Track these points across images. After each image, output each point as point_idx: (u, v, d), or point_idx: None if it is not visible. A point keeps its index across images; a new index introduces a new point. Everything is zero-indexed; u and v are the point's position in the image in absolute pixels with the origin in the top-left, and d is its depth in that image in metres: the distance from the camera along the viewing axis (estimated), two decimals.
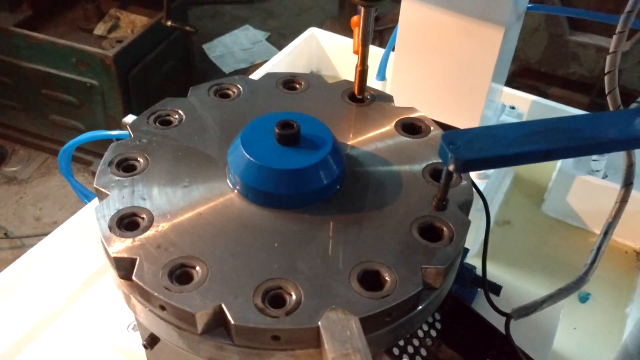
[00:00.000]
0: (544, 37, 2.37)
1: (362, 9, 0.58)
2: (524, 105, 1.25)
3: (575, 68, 2.38)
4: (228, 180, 0.54)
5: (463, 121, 0.95)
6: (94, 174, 0.96)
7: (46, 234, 0.89)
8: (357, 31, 0.62)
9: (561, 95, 2.46)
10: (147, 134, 0.58)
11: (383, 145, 0.59)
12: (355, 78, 0.64)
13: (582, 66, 2.36)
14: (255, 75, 1.22)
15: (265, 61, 2.91)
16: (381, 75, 1.22)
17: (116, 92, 2.11)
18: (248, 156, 0.52)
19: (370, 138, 0.60)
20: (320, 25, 3.19)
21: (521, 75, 2.53)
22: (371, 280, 0.46)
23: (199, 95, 0.64)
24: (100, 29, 2.16)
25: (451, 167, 0.45)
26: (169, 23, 1.86)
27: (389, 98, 0.66)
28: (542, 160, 0.46)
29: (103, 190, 0.52)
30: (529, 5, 0.95)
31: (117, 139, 0.61)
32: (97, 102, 2.16)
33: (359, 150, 0.58)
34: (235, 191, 0.54)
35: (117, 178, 0.53)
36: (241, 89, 0.65)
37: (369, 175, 0.56)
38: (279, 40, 3.08)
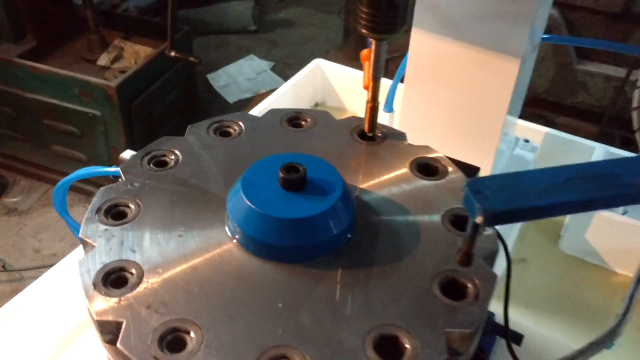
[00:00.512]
0: (552, 66, 2.34)
1: (373, 42, 0.54)
2: (536, 137, 1.21)
3: (583, 97, 2.34)
4: (227, 228, 0.50)
5: (477, 156, 0.90)
6: None
7: (45, 266, 0.83)
8: (367, 65, 0.58)
9: (569, 124, 2.42)
10: (140, 176, 0.54)
11: (397, 188, 0.54)
12: (365, 115, 0.59)
13: (590, 95, 2.32)
14: (259, 108, 1.18)
15: (271, 91, 2.90)
16: (389, 107, 1.18)
17: (118, 123, 2.07)
18: (249, 203, 0.47)
19: (383, 181, 0.55)
20: (325, 55, 3.18)
21: (528, 104, 2.48)
22: (389, 347, 0.41)
23: (198, 133, 0.59)
24: (103, 60, 2.14)
25: (479, 220, 0.39)
26: (172, 53, 1.82)
27: (401, 136, 0.61)
28: (580, 211, 0.41)
29: (89, 240, 0.47)
30: (544, 36, 0.91)
31: (114, 177, 0.57)
32: (99, 133, 2.13)
33: (371, 195, 0.53)
34: (235, 241, 0.49)
35: (105, 227, 0.48)
36: (243, 127, 0.60)
37: (383, 222, 0.51)
38: (284, 69, 3.06)
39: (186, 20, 2.86)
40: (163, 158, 0.56)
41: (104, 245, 0.47)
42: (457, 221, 0.51)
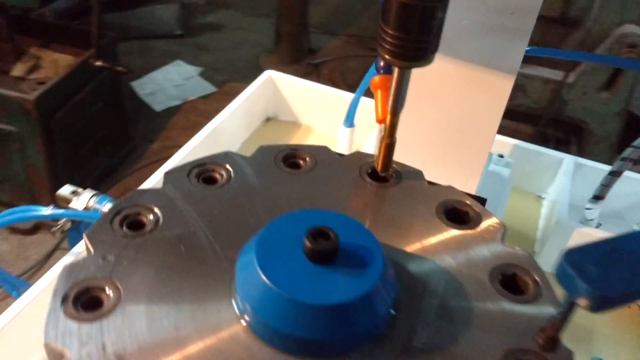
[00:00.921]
0: None
1: (396, 71, 0.45)
2: (503, 149, 1.16)
3: (522, 100, 2.36)
4: (234, 305, 0.39)
5: (461, 178, 0.83)
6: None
7: None
8: (380, 95, 0.49)
9: (508, 126, 2.43)
10: (113, 245, 0.42)
11: (430, 243, 0.45)
12: (379, 152, 0.50)
13: (528, 98, 2.34)
14: (210, 128, 1.06)
15: (201, 98, 2.75)
16: (349, 122, 1.10)
17: (37, 139, 1.88)
18: (267, 280, 0.37)
19: (411, 234, 0.46)
20: (256, 59, 3.06)
21: None
22: None
23: (177, 182, 0.48)
24: (18, 70, 1.93)
25: (583, 303, 0.31)
26: (98, 63, 1.66)
27: (417, 174, 0.52)
28: None
29: (57, 348, 0.35)
30: (528, 49, 0.86)
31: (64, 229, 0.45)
32: (14, 151, 1.92)
33: (403, 254, 0.44)
34: (244, 323, 0.38)
35: (77, 324, 0.37)
36: (231, 171, 0.50)
37: (426, 290, 0.42)
38: (213, 75, 2.92)
39: (108, 25, 2.66)
40: (139, 218, 0.44)
41: (78, 353, 0.35)
42: (508, 282, 0.43)
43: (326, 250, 0.37)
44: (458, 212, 0.49)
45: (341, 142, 1.13)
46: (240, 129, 1.16)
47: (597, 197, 0.98)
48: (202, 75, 2.91)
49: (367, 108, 1.09)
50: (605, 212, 1.04)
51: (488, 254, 0.45)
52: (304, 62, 3.06)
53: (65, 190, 0.78)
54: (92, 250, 0.41)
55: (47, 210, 0.73)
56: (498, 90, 0.75)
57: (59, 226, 0.75)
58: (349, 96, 1.16)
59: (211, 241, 0.43)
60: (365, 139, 1.16)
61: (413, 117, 0.82)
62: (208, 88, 2.82)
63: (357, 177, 0.51)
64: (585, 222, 1.00)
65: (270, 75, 1.21)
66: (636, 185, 1.06)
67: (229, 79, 2.89)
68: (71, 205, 0.74)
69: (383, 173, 0.51)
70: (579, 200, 1.01)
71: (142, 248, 0.42)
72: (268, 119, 1.25)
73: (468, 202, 0.49)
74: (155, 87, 2.77)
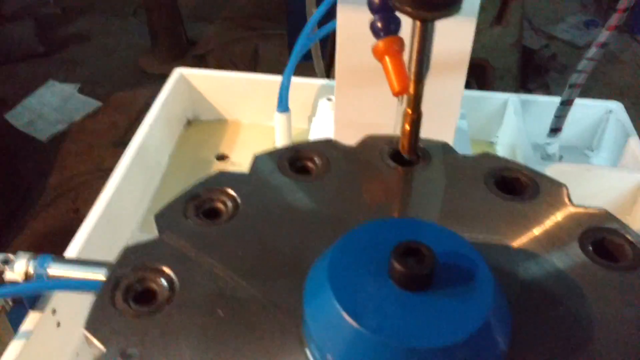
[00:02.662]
0: None
1: (418, 26, 0.36)
2: None
3: None
4: (309, 354, 0.30)
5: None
6: None
7: None
8: (391, 62, 0.40)
9: None
10: (129, 334, 0.31)
11: (503, 229, 0.38)
12: (403, 132, 0.42)
13: None
14: (136, 144, 0.93)
15: (88, 115, 2.52)
16: (283, 106, 1.00)
17: None
18: (351, 320, 0.28)
19: (475, 221, 0.38)
20: (136, 63, 2.85)
21: None
22: None
23: (175, 225, 0.37)
24: None
25: None
26: None
27: (445, 148, 0.45)
28: None
29: None
30: None
31: None
32: None
33: (483, 249, 0.36)
34: None
35: None
36: (236, 196, 0.39)
37: (524, 292, 0.34)
38: (94, 89, 2.68)
39: None
40: (148, 286, 0.34)
41: None
42: (601, 250, 0.36)
43: (421, 273, 0.29)
44: (509, 182, 0.42)
45: (279, 130, 1.03)
46: (164, 140, 1.03)
47: (554, 130, 0.96)
48: (82, 91, 2.67)
49: (297, 88, 1.00)
50: (566, 144, 1.03)
51: (567, 223, 0.38)
52: (188, 55, 2.90)
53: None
54: (102, 347, 0.30)
55: None
56: (461, 35, 0.68)
57: None
58: (272, 79, 1.06)
59: (249, 290, 0.33)
60: (302, 122, 1.08)
61: (368, 84, 0.74)
62: (92, 104, 2.59)
63: (381, 165, 0.42)
64: (547, 157, 0.98)
65: (181, 74, 1.08)
66: (582, 110, 1.05)
67: (113, 90, 2.67)
68: (6, 277, 0.60)
69: (411, 155, 0.43)
70: (531, 137, 0.99)
71: (167, 326, 0.31)
72: (189, 122, 1.12)
73: (514, 166, 0.42)
74: (32, 115, 2.50)
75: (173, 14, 2.78)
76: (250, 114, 1.11)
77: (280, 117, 1.01)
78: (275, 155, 0.42)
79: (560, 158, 0.99)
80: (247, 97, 1.09)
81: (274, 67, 2.88)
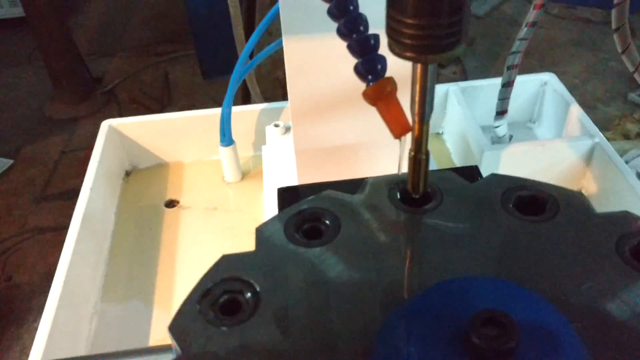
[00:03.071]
0: None
1: (419, 68, 0.34)
2: None
3: None
4: None
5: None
6: None
7: None
8: (385, 107, 0.37)
9: None
10: None
11: (534, 256, 0.35)
12: (411, 171, 0.39)
13: None
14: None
15: None
16: (227, 139, 0.96)
17: None
18: None
19: (511, 251, 0.36)
20: (42, 111, 2.69)
21: None
22: None
23: (193, 333, 0.33)
24: None
25: None
26: None
27: (450, 178, 0.42)
28: None
29: None
30: None
31: None
32: None
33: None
34: None
35: None
36: (253, 283, 0.35)
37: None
38: (2, 146, 2.51)
39: None
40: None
41: None
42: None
43: (504, 348, 0.26)
44: (526, 201, 0.40)
45: (226, 164, 0.99)
46: (106, 199, 0.96)
47: (501, 113, 0.96)
48: None
49: (237, 117, 0.96)
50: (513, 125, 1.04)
51: (599, 237, 0.36)
52: (95, 94, 2.76)
53: None
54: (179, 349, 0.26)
55: None
56: None
57: None
58: (208, 113, 1.01)
59: None
60: (247, 150, 1.04)
61: (338, 108, 0.71)
62: (3, 163, 2.42)
63: (395, 212, 0.39)
64: (498, 140, 0.99)
65: (109, 126, 1.01)
66: (518, 86, 1.06)
67: (22, 144, 2.50)
68: None
69: (417, 195, 0.40)
70: (478, 122, 0.99)
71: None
72: (128, 174, 1.05)
73: (527, 184, 0.40)
74: None
75: (72, 54, 2.64)
76: (191, 152, 1.05)
77: (225, 151, 0.97)
78: (279, 224, 0.38)
79: (511, 138, 1.00)
80: (185, 135, 1.04)
81: (188, 89, 2.81)
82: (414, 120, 0.36)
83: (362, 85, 0.38)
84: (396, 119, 0.37)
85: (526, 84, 1.07)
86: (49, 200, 2.24)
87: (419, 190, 0.39)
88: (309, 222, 0.39)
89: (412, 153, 0.37)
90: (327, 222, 0.39)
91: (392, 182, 0.41)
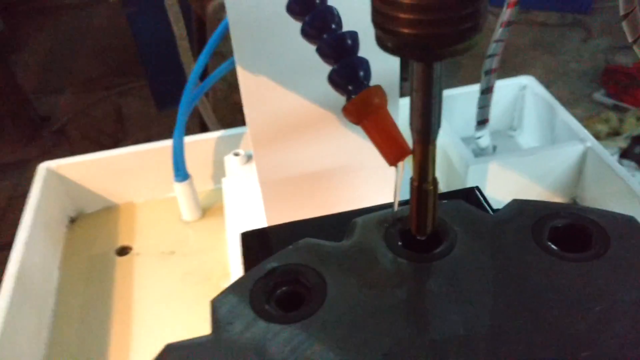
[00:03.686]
0: None
1: (418, 69, 0.24)
2: None
3: None
4: None
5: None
6: None
7: None
8: (375, 126, 0.28)
9: None
10: None
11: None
12: (415, 206, 0.29)
13: None
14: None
15: None
16: (182, 174, 0.86)
17: None
18: None
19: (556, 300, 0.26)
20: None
21: None
22: None
23: None
24: None
25: None
26: None
27: (461, 208, 0.32)
28: None
29: None
30: None
31: None
32: None
33: None
34: None
35: None
36: None
37: None
38: None
39: None
40: None
41: None
42: None
43: None
44: (563, 235, 0.30)
45: (183, 201, 0.88)
46: (46, 253, 0.84)
47: (482, 122, 0.88)
48: None
49: (190, 147, 0.86)
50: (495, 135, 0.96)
51: None
52: (44, 134, 2.61)
53: None
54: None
55: None
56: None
57: None
58: (158, 146, 0.91)
59: None
60: (206, 184, 0.93)
61: (304, 133, 0.61)
62: None
63: (391, 260, 0.29)
64: (481, 152, 0.90)
65: (47, 169, 0.89)
66: (495, 92, 0.98)
67: None
68: None
69: (424, 235, 0.30)
70: (459, 133, 0.91)
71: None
72: (72, 220, 0.93)
73: (558, 209, 0.31)
74: None
75: (16, 94, 2.50)
76: (144, 191, 0.94)
77: (181, 187, 0.86)
78: (242, 292, 0.28)
79: (495, 149, 0.92)
80: (134, 173, 0.93)
81: (143, 122, 2.68)
82: (414, 140, 0.26)
83: (338, 100, 0.29)
84: (390, 139, 0.27)
85: (503, 90, 0.99)
86: None
87: (426, 230, 0.29)
88: (283, 285, 0.29)
89: (415, 183, 0.28)
90: (308, 283, 0.29)
91: (387, 222, 0.31)
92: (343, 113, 0.28)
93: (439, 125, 0.26)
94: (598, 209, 0.30)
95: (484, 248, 0.30)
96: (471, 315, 0.27)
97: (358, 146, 0.57)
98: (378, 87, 0.28)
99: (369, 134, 0.28)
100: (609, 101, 2.36)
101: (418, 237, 0.30)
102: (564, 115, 0.89)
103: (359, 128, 0.58)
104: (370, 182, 0.59)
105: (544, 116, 0.94)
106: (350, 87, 0.27)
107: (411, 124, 0.26)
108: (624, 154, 1.96)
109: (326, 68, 0.36)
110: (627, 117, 2.05)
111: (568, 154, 0.84)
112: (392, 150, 0.27)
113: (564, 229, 0.30)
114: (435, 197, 0.28)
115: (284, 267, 0.29)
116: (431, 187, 0.28)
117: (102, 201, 0.94)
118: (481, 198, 0.43)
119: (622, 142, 1.96)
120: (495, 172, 0.83)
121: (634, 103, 2.26)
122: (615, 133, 2.03)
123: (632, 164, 1.93)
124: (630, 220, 0.29)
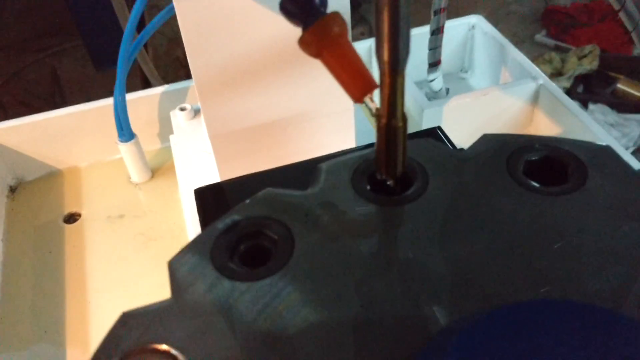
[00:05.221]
0: None
1: None
2: None
3: None
4: None
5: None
6: None
7: None
8: (333, 58, 0.25)
9: None
10: None
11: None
12: (382, 146, 0.27)
13: None
14: None
15: None
16: (126, 134, 0.81)
17: None
18: None
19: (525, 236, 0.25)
20: None
21: None
22: None
23: None
24: None
25: None
26: None
27: (430, 145, 0.30)
28: None
29: None
30: None
31: None
32: None
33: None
34: None
35: None
36: (176, 356, 0.23)
37: None
38: None
39: None
40: None
41: None
42: None
43: None
44: (539, 167, 0.29)
45: (130, 162, 0.84)
46: None
47: (434, 64, 0.86)
48: None
49: (134, 105, 0.82)
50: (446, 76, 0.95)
51: None
52: None
53: None
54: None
55: None
56: None
57: None
58: (99, 105, 0.86)
59: None
60: (153, 143, 0.89)
61: (252, 80, 0.58)
62: None
63: (362, 206, 0.27)
64: (435, 95, 0.89)
65: None
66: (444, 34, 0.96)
67: None
68: None
69: (394, 177, 0.28)
70: (411, 77, 0.89)
71: None
72: (13, 189, 0.88)
73: (536, 141, 0.29)
74: None
75: None
76: (87, 154, 0.89)
77: (126, 147, 0.81)
78: (201, 251, 0.26)
79: (448, 91, 0.91)
80: (75, 136, 0.87)
81: (81, 84, 2.55)
82: (381, 71, 0.24)
83: (289, 43, 0.26)
84: (354, 71, 0.25)
85: (451, 30, 0.97)
86: None
87: (396, 171, 0.27)
88: (247, 239, 0.27)
89: (384, 120, 0.25)
90: (274, 235, 0.27)
91: (354, 165, 0.29)
92: (300, 45, 0.25)
93: (408, 52, 0.24)
94: (573, 140, 0.29)
95: (458, 186, 0.28)
96: (450, 258, 0.25)
97: (312, 92, 0.55)
98: (337, 14, 0.25)
99: (330, 67, 0.25)
100: (551, 42, 2.39)
101: (388, 180, 0.28)
102: (515, 54, 0.88)
103: (311, 73, 0.55)
104: (326, 129, 0.57)
105: (495, 56, 0.93)
106: (306, 15, 0.25)
107: (377, 52, 0.24)
108: (568, 94, 2.00)
109: (273, 4, 0.32)
110: (568, 57, 2.07)
111: (521, 92, 0.84)
112: (357, 83, 0.25)
113: (540, 162, 0.28)
114: (405, 135, 0.26)
115: (246, 221, 0.27)
116: (401, 124, 0.26)
117: (43, 167, 0.88)
118: (444, 138, 0.41)
119: (565, 82, 1.99)
120: (450, 115, 0.82)
121: (574, 43, 2.29)
122: (558, 74, 2.06)
123: (576, 103, 1.96)
124: (606, 149, 0.28)
